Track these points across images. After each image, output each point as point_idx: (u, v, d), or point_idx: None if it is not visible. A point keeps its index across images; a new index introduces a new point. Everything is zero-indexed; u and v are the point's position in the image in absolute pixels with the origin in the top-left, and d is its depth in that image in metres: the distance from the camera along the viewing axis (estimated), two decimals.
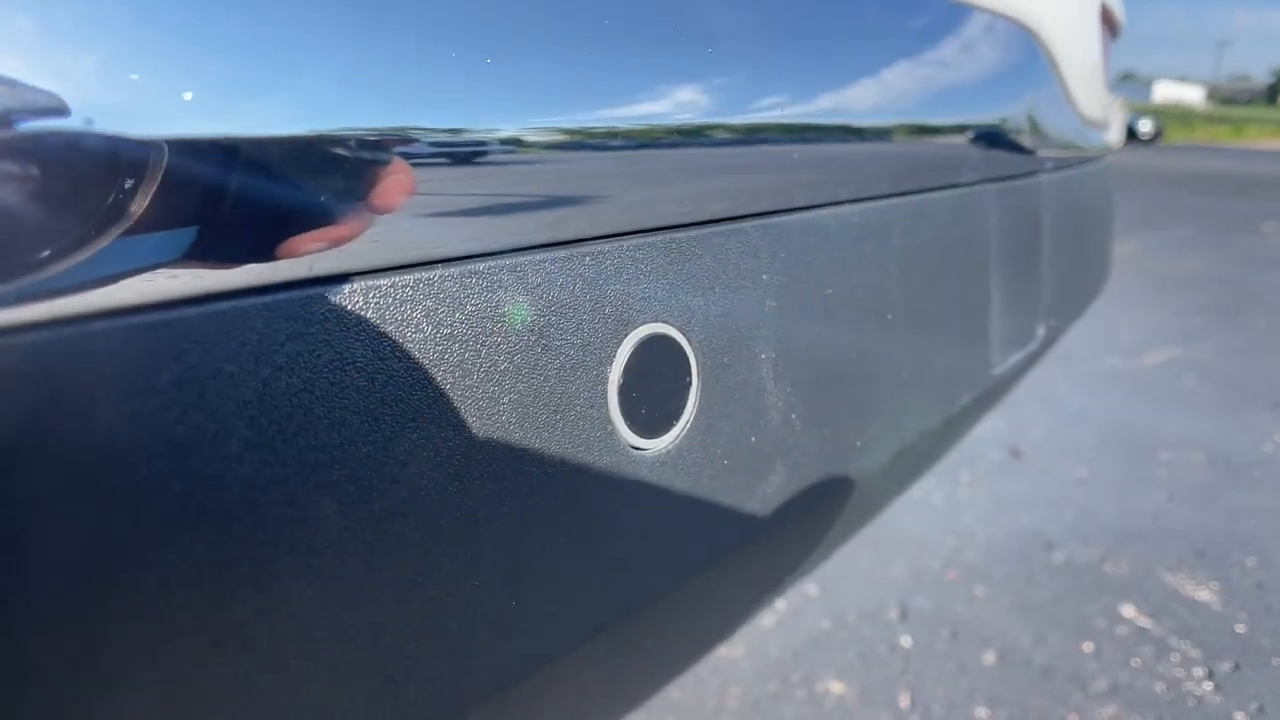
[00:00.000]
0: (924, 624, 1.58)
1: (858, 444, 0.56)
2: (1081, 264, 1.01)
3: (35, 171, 0.22)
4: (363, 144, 0.30)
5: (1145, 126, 28.93)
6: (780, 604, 1.65)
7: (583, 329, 0.38)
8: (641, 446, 0.41)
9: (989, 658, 1.49)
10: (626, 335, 0.39)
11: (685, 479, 0.43)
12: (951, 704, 1.37)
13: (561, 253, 0.37)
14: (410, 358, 0.32)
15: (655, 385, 0.41)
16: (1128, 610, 1.63)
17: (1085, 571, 1.77)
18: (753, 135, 0.45)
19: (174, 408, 0.26)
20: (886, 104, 0.56)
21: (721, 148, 0.44)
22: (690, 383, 0.43)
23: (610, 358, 0.39)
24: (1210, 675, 1.44)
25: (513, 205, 0.35)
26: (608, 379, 0.39)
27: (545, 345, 0.36)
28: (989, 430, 2.55)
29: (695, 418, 0.43)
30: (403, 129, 0.31)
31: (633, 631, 0.45)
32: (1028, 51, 0.78)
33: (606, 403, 0.39)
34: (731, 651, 1.51)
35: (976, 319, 0.71)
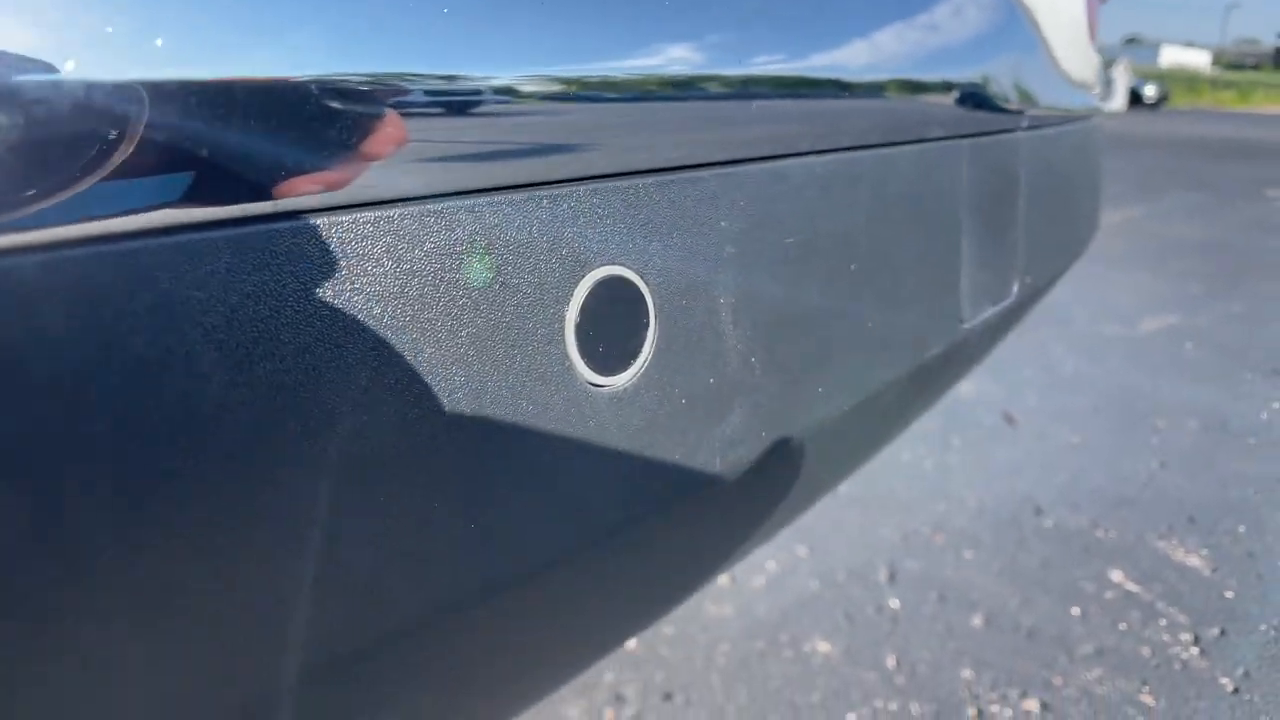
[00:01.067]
0: (912, 586, 1.59)
1: (819, 389, 0.56)
2: (1061, 223, 0.99)
3: (20, 116, 0.24)
4: (327, 89, 0.30)
5: (1150, 91, 28.65)
6: (769, 564, 1.65)
7: (540, 269, 0.38)
8: (599, 383, 0.42)
9: (976, 620, 1.49)
10: (584, 276, 0.40)
11: (642, 416, 0.44)
12: (937, 665, 1.37)
13: (519, 195, 0.37)
14: (371, 292, 0.33)
15: (613, 325, 0.42)
16: (1116, 575, 1.63)
17: (1075, 537, 1.77)
18: (714, 86, 0.45)
19: (149, 329, 0.27)
20: (853, 57, 0.55)
21: (682, 98, 0.44)
22: (648, 324, 0.43)
23: (568, 297, 0.39)
24: (1196, 640, 1.44)
25: (471, 149, 0.35)
26: (565, 318, 0.39)
27: (503, 283, 0.37)
28: (982, 395, 2.54)
29: (653, 358, 0.44)
30: (366, 75, 0.31)
31: (588, 570, 0.45)
32: (1006, 10, 0.76)
33: (564, 340, 0.39)
34: (720, 610, 1.51)
35: (945, 271, 0.70)
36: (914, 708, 1.28)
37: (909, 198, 0.62)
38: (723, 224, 0.47)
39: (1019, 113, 0.81)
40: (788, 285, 0.51)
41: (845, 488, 1.94)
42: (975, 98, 0.71)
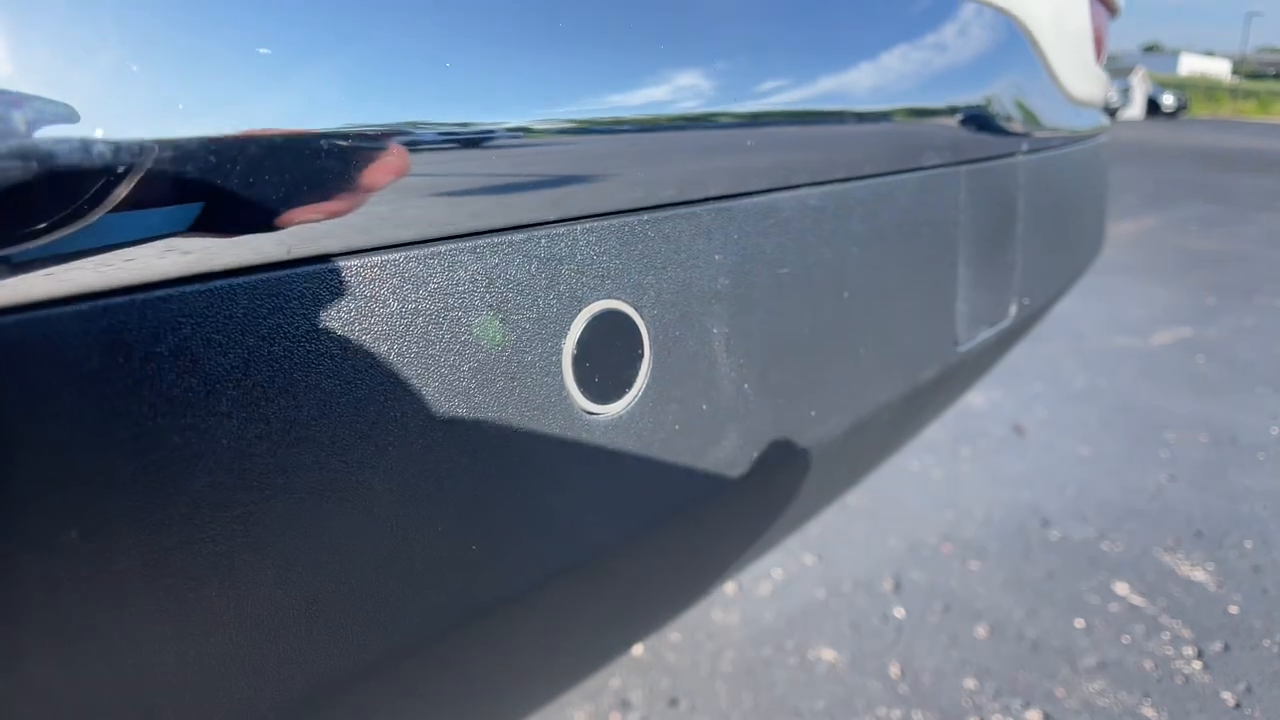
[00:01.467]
0: (917, 596, 1.60)
1: (812, 414, 0.57)
2: (1062, 243, 1.00)
3: (40, 168, 0.25)
4: (334, 139, 0.32)
5: (1169, 100, 28.47)
6: (776, 572, 1.67)
7: (538, 305, 0.40)
8: (594, 411, 0.44)
9: (980, 631, 1.50)
10: (580, 311, 0.42)
11: (637, 443, 0.46)
12: (941, 675, 1.39)
13: (518, 235, 0.39)
14: (379, 331, 0.35)
15: (609, 356, 0.43)
16: (1121, 588, 1.64)
17: (1081, 549, 1.78)
18: (709, 123, 0.47)
19: (173, 373, 0.29)
20: (847, 89, 0.56)
21: (678, 136, 0.45)
22: (643, 354, 0.45)
23: (565, 331, 0.41)
24: (1200, 655, 1.45)
25: (470, 192, 0.37)
26: (562, 350, 0.41)
27: (503, 319, 0.39)
28: (993, 406, 2.55)
29: (648, 386, 0.45)
30: (370, 125, 0.33)
31: (585, 585, 0.47)
32: (1005, 36, 0.77)
33: (561, 371, 0.41)
34: (727, 617, 1.53)
35: (940, 296, 0.71)
36: (917, 716, 1.30)
37: (903, 225, 0.64)
38: (717, 257, 0.48)
39: (1018, 137, 0.82)
40: (781, 314, 0.53)
41: (853, 497, 1.96)
42: (972, 124, 0.73)
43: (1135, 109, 28.16)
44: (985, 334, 0.79)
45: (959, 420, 2.44)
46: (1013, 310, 0.84)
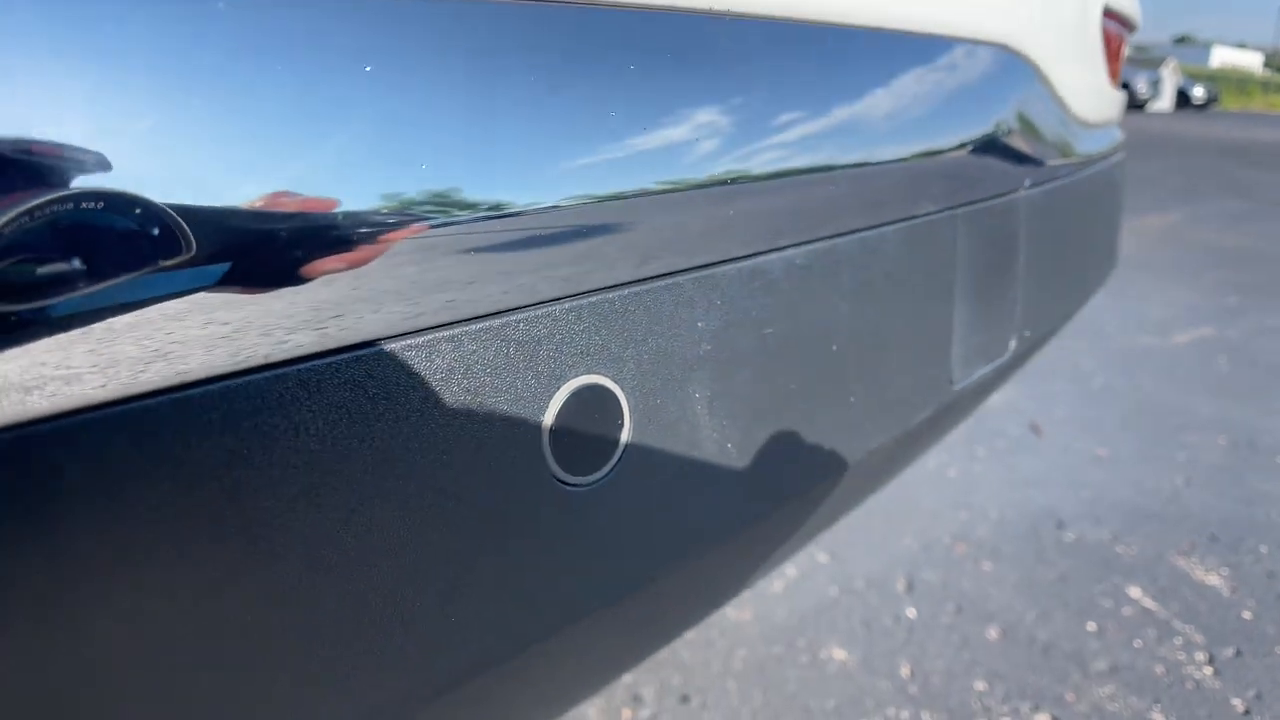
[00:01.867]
0: (930, 597, 1.61)
1: (798, 467, 0.57)
2: (1068, 273, 0.99)
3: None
4: (323, 224, 0.33)
5: (1199, 92, 28.06)
6: (789, 570, 1.68)
7: (517, 386, 0.41)
8: (571, 483, 0.44)
9: (992, 633, 1.51)
10: (559, 388, 0.42)
11: (613, 511, 0.46)
12: (951, 676, 1.40)
13: (496, 321, 0.40)
14: (373, 417, 0.37)
15: (588, 427, 0.44)
16: (1134, 592, 1.64)
17: (1095, 551, 1.78)
18: (691, 193, 0.46)
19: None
20: (833, 140, 0.55)
21: (661, 209, 0.45)
22: (622, 424, 0.45)
23: (544, 408, 0.42)
24: (1211, 660, 1.46)
25: (447, 283, 0.38)
26: (541, 425, 0.42)
27: (482, 402, 0.40)
28: (1010, 405, 2.55)
29: (625, 455, 0.46)
30: (348, 212, 0.34)
31: (564, 644, 0.48)
32: (1005, 71, 0.76)
33: (541, 446, 0.42)
34: (740, 615, 1.55)
35: (934, 340, 0.71)
36: (926, 717, 1.31)
37: (895, 275, 0.63)
38: (699, 324, 0.48)
39: (1020, 173, 0.81)
40: (767, 373, 0.53)
41: (873, 504, 1.97)
42: (967, 168, 0.71)
43: (1165, 101, 27.77)
44: (983, 370, 0.79)
45: (976, 419, 2.44)
46: (1012, 344, 0.84)
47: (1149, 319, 3.50)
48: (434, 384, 0.38)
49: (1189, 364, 2.98)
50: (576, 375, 0.43)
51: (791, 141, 0.52)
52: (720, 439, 0.51)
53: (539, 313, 0.41)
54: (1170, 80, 27.91)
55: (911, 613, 1.57)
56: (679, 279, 0.47)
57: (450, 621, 0.41)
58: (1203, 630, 1.53)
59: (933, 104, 0.66)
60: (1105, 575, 1.70)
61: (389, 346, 0.36)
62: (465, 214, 0.37)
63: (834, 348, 0.58)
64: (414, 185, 0.36)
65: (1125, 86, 27.10)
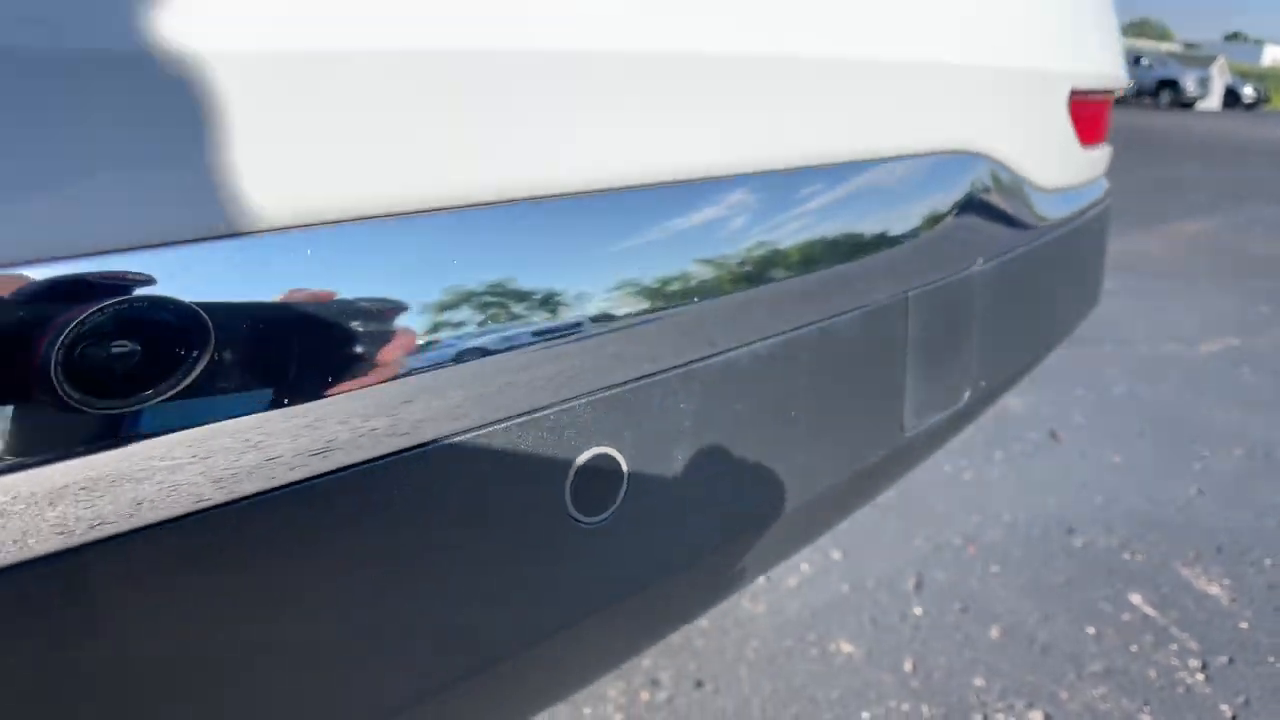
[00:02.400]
0: (937, 596, 1.69)
1: (758, 503, 0.69)
2: (1025, 331, 1.06)
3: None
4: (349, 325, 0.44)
5: (1248, 91, 27.48)
6: (804, 566, 1.77)
7: (550, 455, 0.53)
8: (584, 520, 0.57)
9: (994, 632, 1.59)
10: (579, 456, 0.55)
11: (617, 543, 0.59)
12: (951, 672, 1.48)
13: (538, 415, 0.52)
14: (460, 479, 0.49)
15: (597, 482, 0.57)
16: (1136, 598, 1.71)
17: (1102, 557, 1.85)
18: (670, 312, 0.58)
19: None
20: (782, 258, 0.65)
21: (642, 329, 0.57)
22: (622, 477, 0.58)
23: (568, 470, 0.54)
24: (1204, 667, 1.52)
25: (484, 392, 0.50)
26: (565, 484, 0.55)
27: (526, 467, 0.53)
28: (1031, 411, 2.61)
29: (623, 501, 0.59)
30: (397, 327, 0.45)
31: (578, 633, 0.61)
32: (965, 169, 0.81)
33: (564, 495, 0.55)
34: (754, 607, 1.64)
35: (887, 398, 0.79)
36: (925, 710, 1.40)
37: (850, 352, 0.73)
38: (681, 406, 0.60)
39: (973, 252, 0.86)
40: (734, 436, 0.65)
41: (884, 496, 2.04)
42: (920, 255, 0.78)
43: (1213, 100, 27.24)
44: (936, 418, 0.87)
45: (995, 424, 2.50)
46: (966, 395, 0.91)
47: (1176, 327, 3.52)
48: (494, 455, 0.50)
49: (1212, 374, 3.01)
50: (590, 447, 0.55)
51: (754, 261, 0.63)
52: (696, 485, 0.62)
53: (566, 407, 0.53)
54: (1219, 79, 27.37)
55: (919, 611, 1.65)
56: (666, 375, 0.59)
57: (495, 612, 0.54)
58: (1198, 638, 1.60)
59: (892, 209, 0.73)
60: (1109, 581, 1.76)
61: (472, 433, 0.49)
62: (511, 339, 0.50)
63: (793, 414, 0.68)
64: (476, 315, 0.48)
65: (1173, 85, 26.58)
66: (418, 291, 0.45)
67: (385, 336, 0.43)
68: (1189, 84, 25.63)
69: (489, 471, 0.50)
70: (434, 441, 0.47)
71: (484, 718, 0.62)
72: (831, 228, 0.68)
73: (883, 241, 0.73)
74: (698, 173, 0.59)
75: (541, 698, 0.69)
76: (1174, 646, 1.57)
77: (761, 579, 1.71)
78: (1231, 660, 1.54)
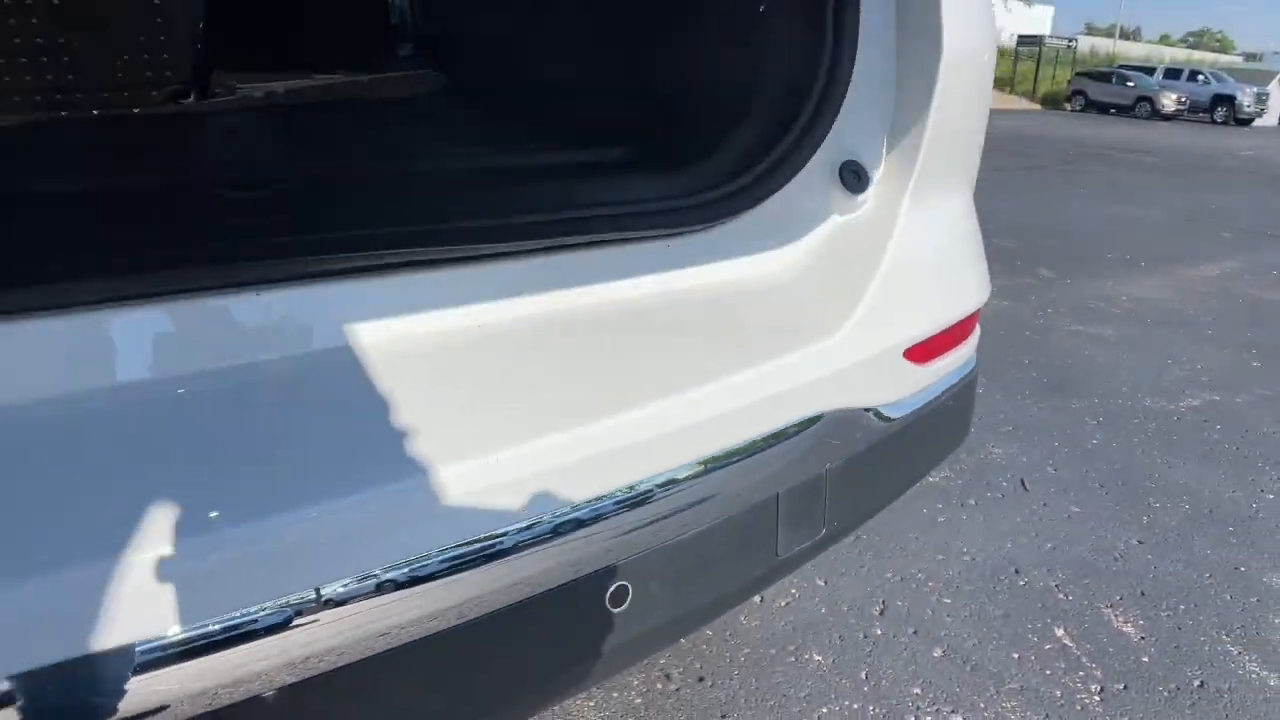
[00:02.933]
0: (896, 620, 2.12)
1: (678, 609, 1.07)
2: (871, 494, 1.37)
3: None
4: None
5: None
6: (793, 590, 2.20)
7: (598, 587, 0.96)
8: (614, 611, 0.98)
9: (936, 652, 2.01)
10: (611, 585, 0.96)
11: (625, 624, 1.00)
12: (896, 681, 1.91)
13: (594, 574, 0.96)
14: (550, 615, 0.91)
15: (619, 595, 0.98)
16: (1059, 631, 2.12)
17: (1039, 595, 2.26)
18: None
19: None
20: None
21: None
22: (627, 592, 0.99)
23: (605, 592, 0.95)
24: (1101, 691, 1.93)
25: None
26: (605, 595, 0.95)
27: (585, 590, 0.94)
28: (1009, 460, 3.00)
29: (631, 601, 0.99)
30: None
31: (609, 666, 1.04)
32: (822, 426, 1.15)
33: (605, 600, 0.96)
34: (749, 622, 2.08)
35: (763, 538, 1.14)
36: (871, 709, 1.83)
37: (746, 521, 1.10)
38: (656, 570, 1.02)
39: (825, 459, 1.17)
40: (695, 564, 1.06)
41: (866, 533, 2.46)
42: (787, 470, 1.12)
43: (1271, 116, 26.87)
44: (802, 545, 1.21)
45: (975, 472, 2.90)
46: (824, 531, 1.23)
47: (1163, 381, 3.87)
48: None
49: (1185, 429, 3.37)
50: (617, 581, 0.97)
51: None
52: (664, 593, 1.04)
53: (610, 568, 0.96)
54: (1278, 94, 26.97)
55: (879, 631, 2.07)
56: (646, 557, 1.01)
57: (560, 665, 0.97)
58: (1103, 667, 2.01)
59: (766, 461, 1.09)
60: (1040, 616, 2.17)
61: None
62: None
63: (718, 555, 1.11)
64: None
65: (1229, 100, 26.37)
66: None
67: None
68: (1246, 100, 25.36)
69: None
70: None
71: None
72: (721, 481, 1.05)
73: (760, 473, 1.10)
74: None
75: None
76: (1081, 673, 1.98)
77: (756, 599, 2.15)
78: (1126, 687, 1.95)
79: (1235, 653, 2.08)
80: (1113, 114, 27.05)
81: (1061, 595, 2.27)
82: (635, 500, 0.95)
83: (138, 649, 0.65)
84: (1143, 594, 2.30)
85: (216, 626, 0.67)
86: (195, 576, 0.67)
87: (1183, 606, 2.26)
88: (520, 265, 0.91)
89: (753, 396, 1.02)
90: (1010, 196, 9.16)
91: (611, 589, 0.97)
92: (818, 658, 1.98)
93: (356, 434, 0.77)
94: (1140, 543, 2.55)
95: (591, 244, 0.96)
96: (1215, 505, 2.79)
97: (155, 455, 0.70)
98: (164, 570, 0.65)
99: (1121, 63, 34.29)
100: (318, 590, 0.71)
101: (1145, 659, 2.05)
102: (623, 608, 0.99)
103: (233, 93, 2.17)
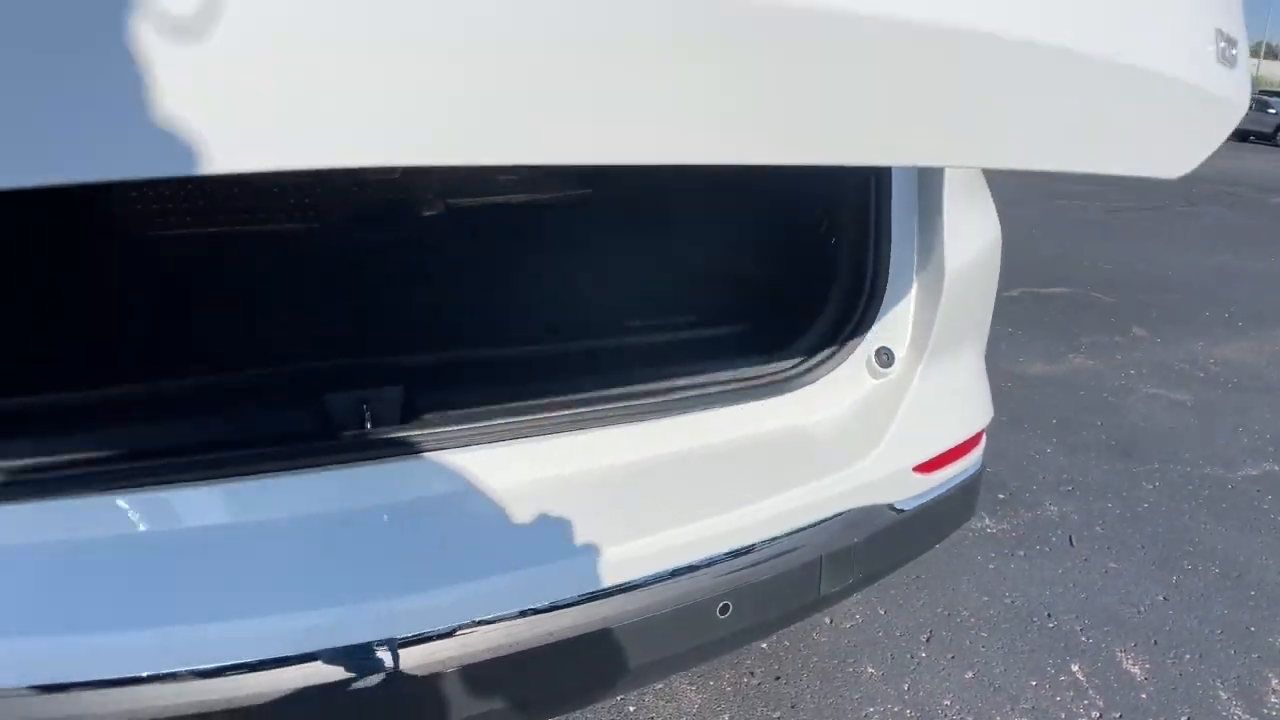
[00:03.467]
0: (939, 647, 2.65)
1: (757, 620, 1.64)
2: (888, 558, 1.90)
3: None
4: None
5: None
6: (857, 616, 2.76)
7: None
8: (719, 618, 1.57)
9: (968, 674, 2.54)
10: (718, 605, 1.55)
11: (725, 626, 1.59)
12: (931, 694, 2.45)
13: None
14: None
15: (722, 609, 1.55)
16: (1074, 666, 2.61)
17: (1064, 636, 2.74)
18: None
19: None
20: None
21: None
22: (729, 608, 1.57)
23: (715, 609, 1.54)
24: (1099, 717, 2.43)
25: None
26: (715, 611, 1.55)
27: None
28: (1062, 517, 3.46)
29: (731, 613, 1.57)
30: None
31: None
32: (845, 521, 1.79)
33: (715, 612, 1.55)
34: (819, 637, 2.64)
35: (812, 586, 1.70)
36: (908, 712, 2.37)
37: (796, 573, 1.67)
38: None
39: (851, 535, 1.74)
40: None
41: (923, 575, 2.99)
42: (828, 537, 1.71)
43: None
44: (836, 589, 1.71)
45: (1029, 526, 3.38)
46: (851, 581, 1.76)
47: (1226, 448, 4.21)
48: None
49: (1235, 499, 3.73)
50: (723, 600, 1.56)
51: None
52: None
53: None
54: None
55: (923, 655, 2.61)
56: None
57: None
58: (1106, 699, 2.49)
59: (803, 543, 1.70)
60: (1061, 653, 2.67)
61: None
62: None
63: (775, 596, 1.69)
64: None
65: None
66: None
67: None
68: None
69: None
70: None
71: None
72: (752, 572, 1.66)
73: (810, 544, 1.68)
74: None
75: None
76: (1085, 701, 2.48)
77: (826, 620, 2.72)
78: (1121, 716, 2.44)
79: (1225, 698, 2.53)
80: (1252, 142, 26.00)
81: (1084, 638, 2.75)
82: (738, 554, 1.56)
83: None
84: (1155, 643, 2.76)
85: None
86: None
87: (1188, 656, 2.71)
88: (661, 423, 1.55)
89: (808, 499, 1.62)
90: (1118, 243, 9.30)
91: (720, 605, 1.56)
92: (871, 670, 2.53)
93: (573, 533, 1.42)
94: (1165, 599, 2.99)
95: (711, 405, 1.58)
96: (1244, 571, 3.19)
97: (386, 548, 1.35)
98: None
99: (1265, 87, 32.69)
100: (578, 598, 1.35)
101: (1144, 695, 2.52)
102: (726, 616, 1.58)
103: None
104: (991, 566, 3.09)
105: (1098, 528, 3.42)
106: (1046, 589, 2.99)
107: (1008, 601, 2.90)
